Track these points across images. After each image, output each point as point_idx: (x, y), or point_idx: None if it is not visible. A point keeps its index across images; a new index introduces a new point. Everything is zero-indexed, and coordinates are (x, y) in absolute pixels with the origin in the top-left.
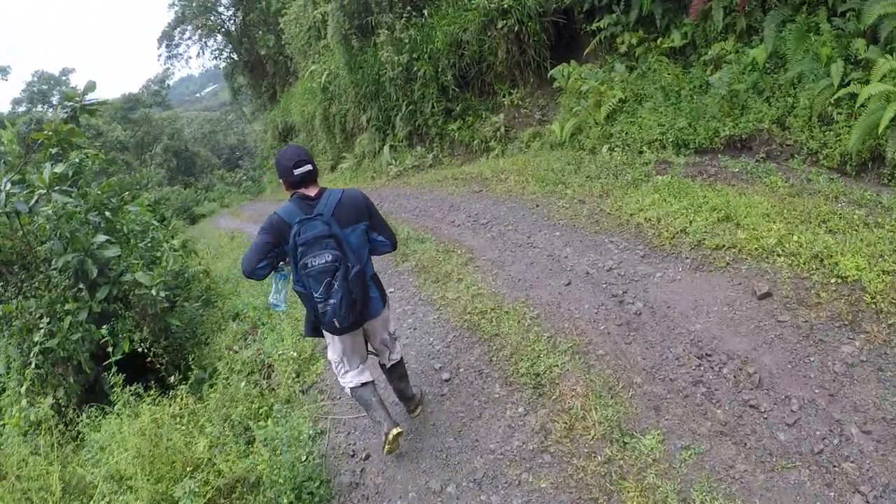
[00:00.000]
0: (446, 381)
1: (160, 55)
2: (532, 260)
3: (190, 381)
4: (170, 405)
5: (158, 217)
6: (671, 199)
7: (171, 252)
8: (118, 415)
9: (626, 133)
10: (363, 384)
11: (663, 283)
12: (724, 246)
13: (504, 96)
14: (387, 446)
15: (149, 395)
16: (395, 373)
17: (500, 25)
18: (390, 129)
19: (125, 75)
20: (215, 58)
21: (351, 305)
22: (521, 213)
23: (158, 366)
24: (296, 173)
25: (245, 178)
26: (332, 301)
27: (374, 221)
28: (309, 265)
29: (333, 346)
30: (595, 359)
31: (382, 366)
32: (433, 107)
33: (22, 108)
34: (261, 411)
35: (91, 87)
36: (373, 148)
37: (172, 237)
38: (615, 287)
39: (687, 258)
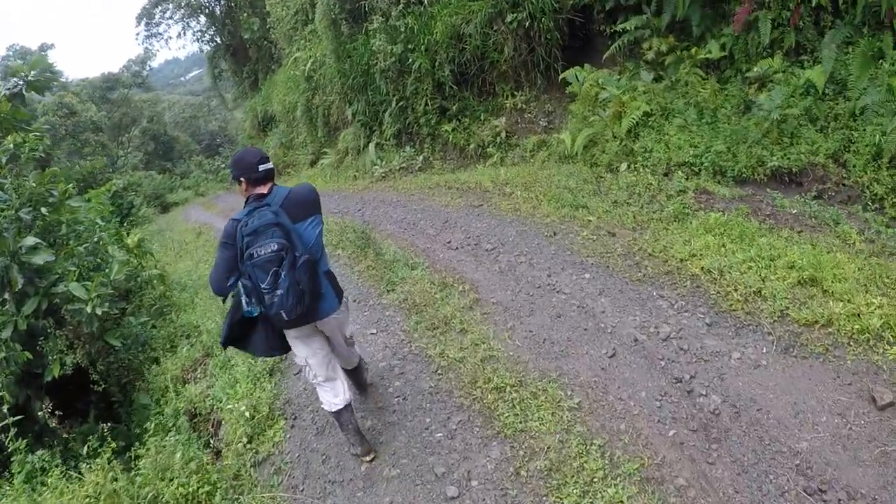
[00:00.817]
0: (453, 499)
1: (138, 34)
2: (557, 310)
3: (110, 453)
4: (86, 477)
5: (126, 204)
6: (731, 244)
7: (117, 258)
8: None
9: (651, 151)
10: (338, 411)
11: (745, 370)
12: (816, 322)
13: (506, 98)
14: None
15: (56, 468)
16: (354, 376)
17: (508, 19)
18: (377, 125)
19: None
20: (197, 40)
21: (299, 296)
22: (535, 240)
23: (99, 387)
24: (261, 169)
25: (223, 165)
26: (279, 291)
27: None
28: (255, 255)
29: (295, 348)
30: (675, 493)
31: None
32: (427, 104)
33: None
34: (200, 492)
35: (40, 61)
36: (357, 144)
37: (127, 234)
38: (677, 366)
39: (770, 334)
